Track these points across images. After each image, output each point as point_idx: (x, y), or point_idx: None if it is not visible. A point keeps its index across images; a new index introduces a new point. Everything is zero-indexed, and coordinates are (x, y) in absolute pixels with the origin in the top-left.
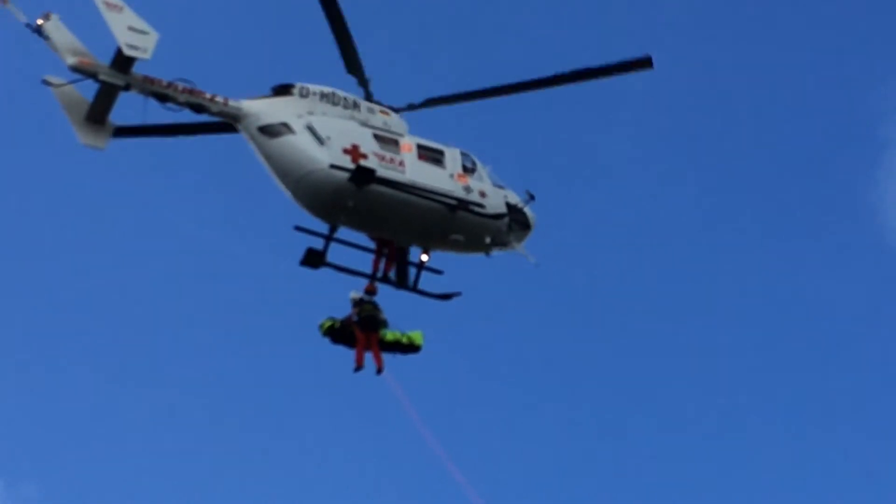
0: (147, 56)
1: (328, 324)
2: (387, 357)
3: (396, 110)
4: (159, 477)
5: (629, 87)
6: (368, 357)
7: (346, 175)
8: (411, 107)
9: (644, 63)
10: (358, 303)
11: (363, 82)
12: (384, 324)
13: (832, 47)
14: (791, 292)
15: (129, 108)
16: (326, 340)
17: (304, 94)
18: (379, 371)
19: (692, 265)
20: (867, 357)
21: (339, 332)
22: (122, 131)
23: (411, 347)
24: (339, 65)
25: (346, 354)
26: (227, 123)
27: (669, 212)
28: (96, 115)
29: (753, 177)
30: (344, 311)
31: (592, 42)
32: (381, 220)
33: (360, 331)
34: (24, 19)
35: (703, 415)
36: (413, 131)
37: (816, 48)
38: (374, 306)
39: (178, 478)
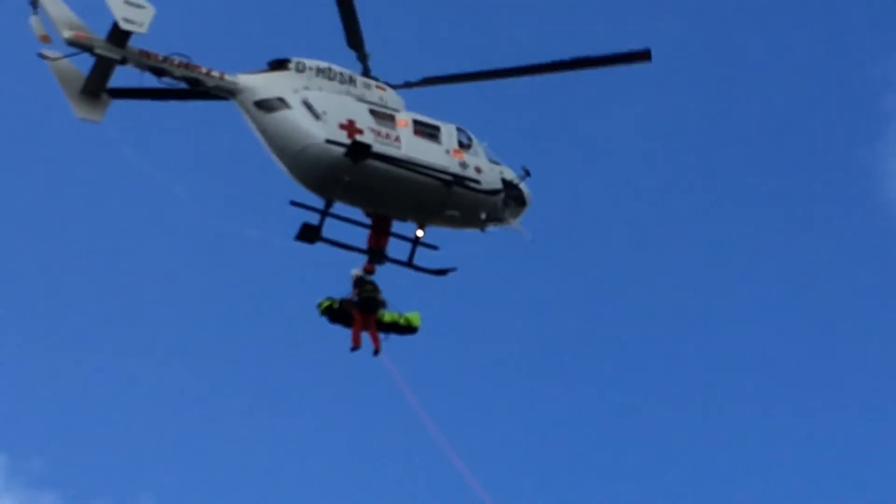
0: (143, 30)
1: (327, 303)
2: (382, 338)
3: (393, 87)
4: (161, 455)
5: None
6: (365, 338)
7: (341, 150)
8: (408, 84)
9: (642, 56)
10: (359, 283)
11: (362, 57)
12: (382, 304)
13: (834, 21)
14: (796, 273)
15: (125, 81)
16: (324, 319)
17: (301, 69)
18: (376, 352)
19: (693, 248)
20: (872, 334)
21: (337, 312)
22: (118, 93)
23: (408, 329)
24: (337, 40)
25: (343, 333)
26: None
27: (669, 191)
28: (92, 88)
29: (755, 156)
30: (339, 285)
31: (598, 23)
32: (376, 195)
33: (358, 312)
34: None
35: (704, 398)
36: (414, 108)
37: (818, 23)
38: (375, 287)
39: (179, 455)
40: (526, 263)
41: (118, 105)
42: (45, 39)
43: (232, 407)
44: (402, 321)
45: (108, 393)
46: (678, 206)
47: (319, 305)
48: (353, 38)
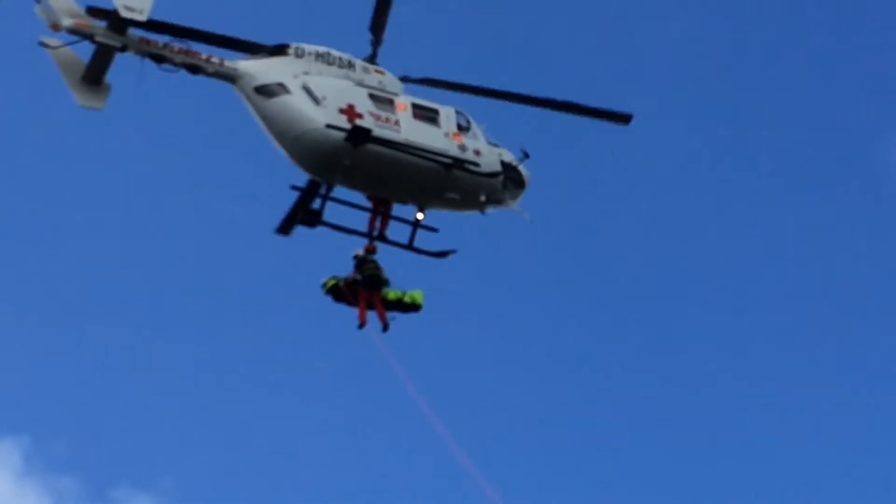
0: (143, 17)
1: (331, 282)
2: (389, 317)
3: None
4: (180, 439)
5: (638, 44)
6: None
7: (341, 135)
8: (406, 79)
9: (624, 118)
10: (361, 262)
11: (376, 43)
12: (386, 282)
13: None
14: (807, 270)
15: (126, 68)
16: (328, 299)
17: (300, 54)
18: (385, 328)
19: (700, 236)
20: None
21: (341, 291)
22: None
23: (412, 306)
24: (335, 24)
25: (349, 314)
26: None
27: (678, 182)
28: (93, 76)
29: (767, 150)
30: (340, 268)
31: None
32: (376, 179)
33: (363, 289)
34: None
35: (710, 386)
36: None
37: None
38: (377, 265)
39: (198, 439)
40: (526, 245)
41: (120, 92)
42: (56, 27)
43: (251, 391)
44: (406, 299)
45: (130, 377)
46: (686, 197)
47: (324, 285)
48: (378, 22)
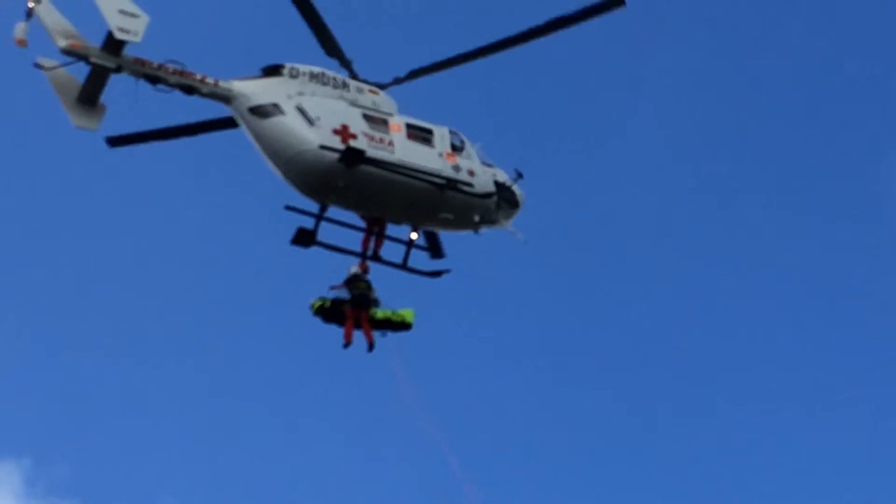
0: (137, 39)
1: (318, 303)
2: (379, 336)
3: (383, 87)
4: (180, 460)
5: (632, 61)
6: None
7: (335, 156)
8: (397, 80)
9: (616, 2)
10: (352, 280)
11: (345, 63)
12: (375, 302)
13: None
14: (807, 276)
15: (121, 89)
16: (318, 320)
17: (294, 75)
18: (370, 348)
19: (694, 248)
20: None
21: (329, 311)
22: (121, 141)
23: (402, 325)
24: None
25: (338, 332)
26: (225, 120)
27: (670, 190)
28: (88, 96)
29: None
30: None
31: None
32: (370, 199)
33: (350, 308)
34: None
35: (704, 400)
36: (408, 109)
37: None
38: (367, 285)
39: (198, 460)
40: (520, 264)
41: (114, 111)
42: (21, 44)
43: (251, 411)
44: (395, 318)
45: (130, 398)
46: (679, 205)
47: (312, 306)
48: (329, 46)
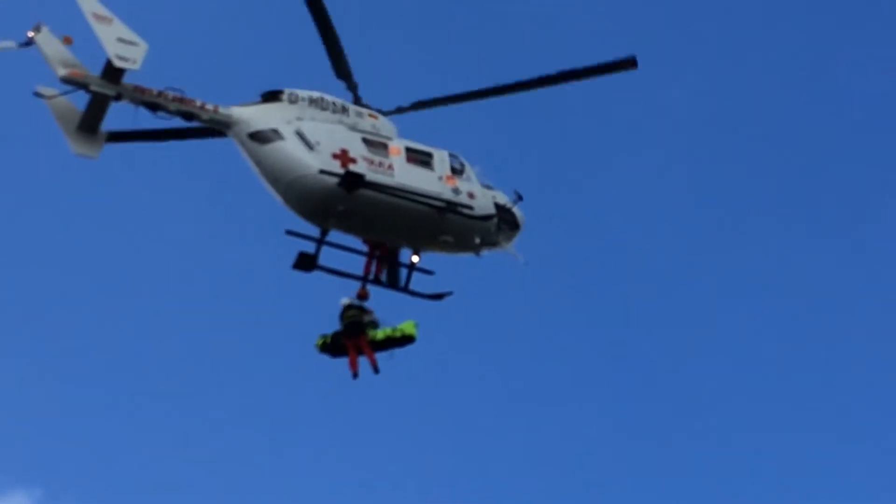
0: (136, 67)
1: (321, 341)
2: (384, 356)
3: (385, 113)
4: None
5: (627, 86)
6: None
7: (335, 180)
8: (400, 110)
9: (628, 64)
10: (344, 311)
11: (351, 87)
12: (372, 325)
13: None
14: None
15: (121, 117)
16: (326, 357)
17: (293, 100)
18: (375, 371)
19: (697, 264)
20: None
21: (333, 347)
22: (115, 137)
23: (405, 339)
24: (327, 70)
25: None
26: (217, 129)
27: (667, 208)
28: (88, 124)
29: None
30: (335, 312)
31: (592, 38)
32: (371, 223)
33: (346, 338)
34: (12, 46)
35: (706, 422)
36: (407, 133)
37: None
38: (360, 310)
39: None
40: (521, 286)
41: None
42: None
43: (262, 447)
44: (396, 334)
45: (140, 432)
46: (681, 220)
47: (316, 346)
48: (341, 69)
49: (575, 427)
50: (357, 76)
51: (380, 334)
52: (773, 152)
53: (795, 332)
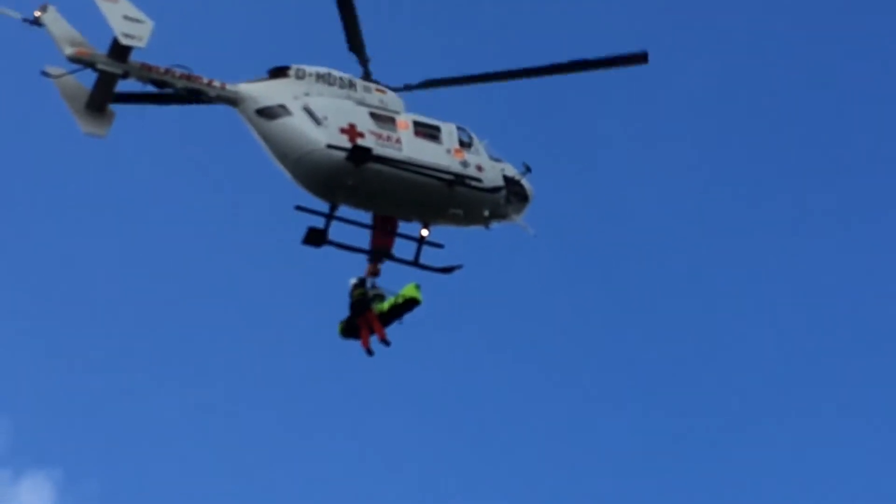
0: (143, 45)
1: (341, 327)
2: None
3: (393, 90)
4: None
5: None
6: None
7: (343, 154)
8: (408, 87)
9: (639, 58)
10: (351, 291)
11: (363, 61)
12: (378, 298)
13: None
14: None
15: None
16: (351, 341)
17: (301, 76)
18: (385, 343)
19: (703, 245)
20: None
21: (350, 329)
22: (123, 98)
23: (410, 303)
24: (334, 45)
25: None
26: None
27: (679, 189)
28: (96, 103)
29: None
30: (345, 287)
31: (603, 26)
32: (379, 197)
33: (356, 318)
34: (17, 15)
35: (714, 399)
36: (416, 106)
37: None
38: (362, 289)
39: (228, 473)
40: (531, 259)
41: (123, 115)
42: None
43: (274, 420)
44: (399, 300)
45: (161, 415)
46: (688, 204)
47: (340, 332)
48: (354, 42)
49: (581, 406)
50: (370, 51)
51: (385, 306)
52: (790, 142)
53: (810, 324)
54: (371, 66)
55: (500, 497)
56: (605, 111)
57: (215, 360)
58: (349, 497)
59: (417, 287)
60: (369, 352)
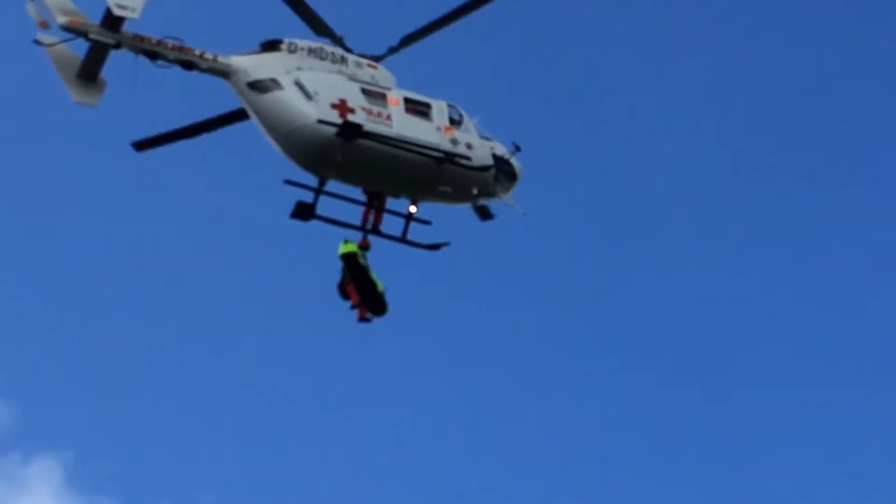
0: (135, 15)
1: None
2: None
3: (379, 58)
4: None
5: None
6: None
7: (333, 130)
8: (392, 50)
9: None
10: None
11: (336, 40)
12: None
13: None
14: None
15: (121, 65)
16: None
17: (293, 50)
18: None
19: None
20: None
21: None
22: (146, 144)
23: (348, 260)
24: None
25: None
26: (242, 112)
27: (676, 176)
28: (88, 73)
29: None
30: (332, 262)
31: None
32: (369, 173)
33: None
34: None
35: (710, 376)
36: (408, 81)
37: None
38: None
39: (238, 455)
40: (519, 237)
41: (115, 88)
42: (44, 25)
43: (289, 406)
44: (343, 264)
45: (171, 395)
46: (687, 195)
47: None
48: (317, 26)
49: (568, 388)
50: (338, 31)
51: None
52: (789, 142)
53: (810, 325)
54: (348, 43)
55: (500, 495)
56: (605, 100)
57: (225, 342)
58: (348, 497)
59: (344, 241)
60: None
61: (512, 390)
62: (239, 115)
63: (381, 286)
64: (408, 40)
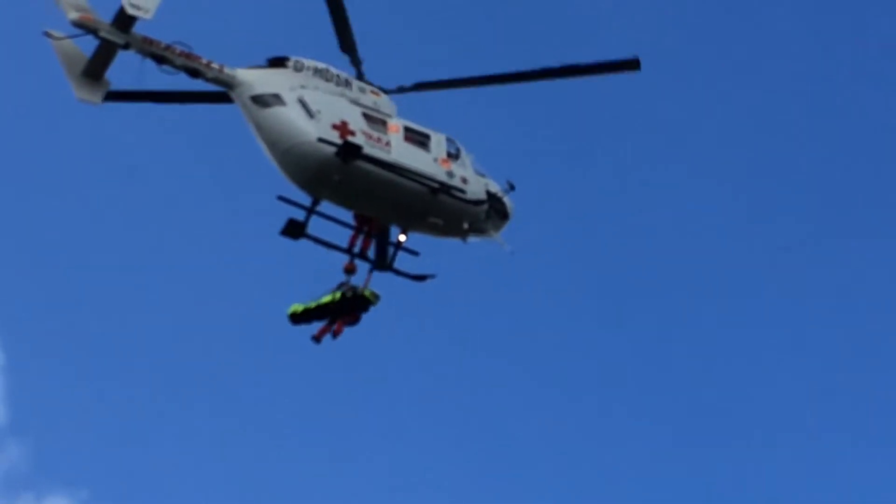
0: (149, 16)
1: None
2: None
3: (386, 91)
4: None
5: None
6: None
7: (332, 149)
8: (401, 89)
9: (631, 65)
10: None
11: (356, 62)
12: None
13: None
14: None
15: (127, 67)
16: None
17: (299, 68)
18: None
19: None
20: None
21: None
22: (117, 96)
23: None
24: (334, 43)
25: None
26: (222, 93)
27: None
28: (93, 71)
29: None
30: (313, 282)
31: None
32: (363, 196)
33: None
34: None
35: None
36: (409, 116)
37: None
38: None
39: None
40: (505, 275)
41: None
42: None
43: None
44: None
45: (185, 434)
46: (682, 207)
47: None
48: (346, 42)
49: (555, 421)
50: (362, 53)
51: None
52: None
53: (810, 327)
54: (364, 68)
55: (498, 496)
56: (599, 116)
57: (237, 385)
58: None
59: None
60: (318, 340)
61: (509, 404)
62: (219, 98)
63: (336, 295)
64: (421, 86)
